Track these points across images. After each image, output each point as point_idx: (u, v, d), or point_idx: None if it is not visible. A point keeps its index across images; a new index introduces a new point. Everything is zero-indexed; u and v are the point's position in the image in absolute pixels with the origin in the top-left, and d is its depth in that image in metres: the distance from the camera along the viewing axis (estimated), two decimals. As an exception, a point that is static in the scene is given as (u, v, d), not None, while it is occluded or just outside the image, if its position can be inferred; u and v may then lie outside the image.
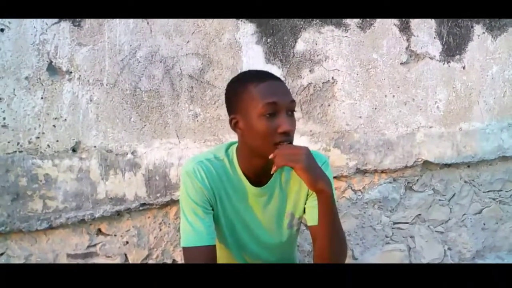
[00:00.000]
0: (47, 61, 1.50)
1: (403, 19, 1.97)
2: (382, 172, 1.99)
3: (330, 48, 1.87)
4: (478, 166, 2.19)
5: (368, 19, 1.92)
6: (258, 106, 1.11)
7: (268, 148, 1.12)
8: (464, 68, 2.09)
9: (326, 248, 1.17)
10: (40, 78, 1.49)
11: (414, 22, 1.99)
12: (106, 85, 1.58)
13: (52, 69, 1.51)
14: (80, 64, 1.54)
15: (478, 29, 2.11)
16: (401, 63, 1.98)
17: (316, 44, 1.85)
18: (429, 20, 2.02)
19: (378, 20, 1.93)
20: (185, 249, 1.18)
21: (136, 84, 1.61)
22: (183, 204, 1.21)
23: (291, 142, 1.14)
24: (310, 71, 1.85)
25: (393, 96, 1.98)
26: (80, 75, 1.54)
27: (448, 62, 2.07)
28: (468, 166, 2.17)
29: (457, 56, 2.08)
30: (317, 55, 1.85)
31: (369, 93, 1.94)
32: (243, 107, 1.15)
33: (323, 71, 1.87)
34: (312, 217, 1.25)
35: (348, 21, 1.88)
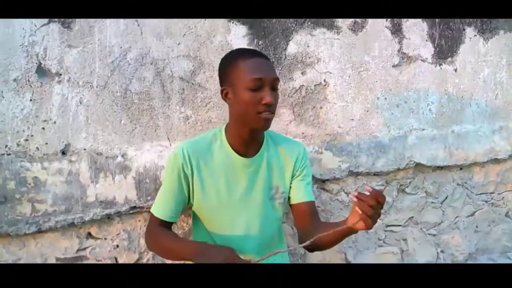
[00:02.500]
0: (36, 63, 1.48)
1: (395, 21, 1.97)
2: (374, 174, 1.98)
3: (322, 51, 1.86)
4: (470, 169, 2.19)
5: (359, 21, 1.92)
6: (246, 80, 1.27)
7: (252, 117, 1.29)
8: (456, 70, 2.10)
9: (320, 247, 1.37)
10: (29, 80, 1.48)
11: (406, 25, 1.99)
12: (96, 87, 1.56)
13: (41, 71, 1.50)
14: (69, 66, 1.53)
15: (469, 31, 2.11)
16: (393, 66, 1.98)
17: (308, 46, 1.84)
18: (420, 22, 2.02)
19: (370, 22, 1.93)
20: (150, 215, 1.43)
21: (126, 86, 1.60)
22: (164, 178, 1.44)
23: (272, 113, 1.30)
24: (302, 73, 1.84)
25: (385, 98, 1.98)
26: (70, 77, 1.53)
27: (440, 64, 2.07)
28: (461, 169, 2.17)
29: (449, 59, 2.08)
30: (309, 58, 1.85)
31: (361, 95, 1.94)
32: (233, 80, 1.31)
33: (315, 73, 1.86)
34: (296, 196, 1.48)
35: (340, 23, 1.88)
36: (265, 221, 1.45)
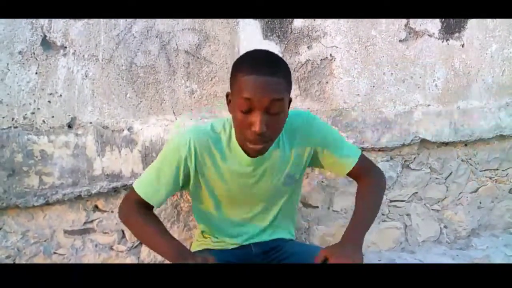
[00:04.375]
0: (41, 36, 1.48)
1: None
2: (379, 150, 1.99)
3: (329, 25, 1.84)
4: (475, 145, 2.19)
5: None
6: (238, 98, 1.12)
7: (243, 142, 1.20)
8: (463, 46, 2.07)
9: None
10: (34, 53, 1.47)
11: (414, -1, 1.96)
12: (102, 60, 1.56)
13: (46, 43, 1.49)
14: (74, 39, 1.52)
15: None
16: (399, 41, 1.96)
17: (314, 20, 1.82)
18: (429, -4, 1.99)
19: (377, -4, 1.90)
20: (132, 189, 1.30)
21: (131, 59, 1.59)
22: (160, 158, 1.30)
23: (266, 142, 1.17)
24: (308, 47, 1.83)
25: (392, 74, 1.96)
26: (75, 50, 1.52)
27: (447, 40, 2.04)
28: (465, 145, 2.17)
29: (456, 34, 2.06)
30: (315, 32, 1.83)
31: (367, 70, 1.93)
32: (232, 92, 1.18)
33: (321, 48, 1.85)
34: (339, 170, 1.43)
35: (347, -3, 1.85)
36: (272, 199, 1.42)
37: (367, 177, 1.41)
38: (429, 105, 2.04)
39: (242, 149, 1.26)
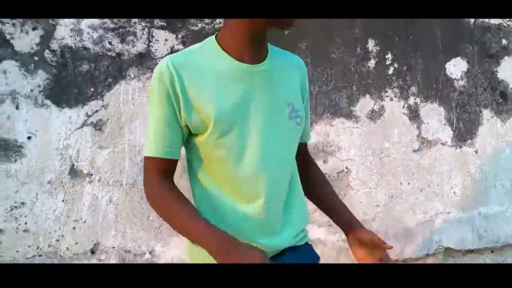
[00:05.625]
0: (69, 165, 1.55)
1: (412, 107, 2.03)
2: (403, 261, 1.94)
3: (342, 139, 1.91)
4: (503, 251, 2.13)
5: (377, 109, 1.97)
6: None
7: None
8: (476, 152, 2.11)
9: None
10: (62, 182, 1.54)
11: (423, 110, 2.04)
12: (126, 185, 1.61)
13: (74, 172, 1.56)
14: (100, 166, 1.59)
15: (486, 113, 2.15)
16: (413, 150, 2.01)
17: (328, 136, 1.89)
18: (437, 107, 2.07)
19: (387, 110, 1.98)
20: (145, 159, 1.07)
21: (154, 182, 1.65)
22: (150, 107, 1.07)
23: None
24: (323, 161, 1.88)
25: (409, 183, 1.98)
26: (100, 177, 1.59)
27: (460, 147, 2.09)
28: (492, 251, 2.11)
29: (469, 141, 2.10)
30: (330, 146, 1.89)
31: (384, 181, 1.95)
32: None
33: (337, 161, 1.89)
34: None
35: (357, 112, 1.94)
36: (285, 147, 1.12)
37: (312, 159, 1.34)
38: (449, 213, 2.02)
39: (235, 59, 1.07)
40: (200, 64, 1.05)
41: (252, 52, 1.06)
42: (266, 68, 1.08)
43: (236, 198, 1.08)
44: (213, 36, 1.10)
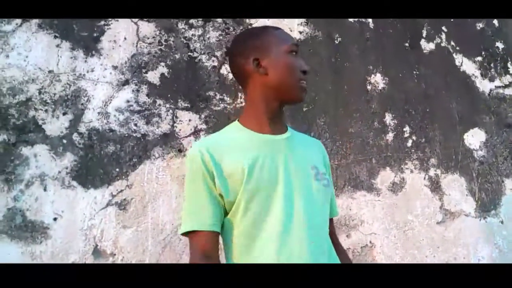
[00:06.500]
0: (93, 245, 1.56)
1: (433, 179, 2.02)
2: None
3: (365, 213, 1.90)
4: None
5: (398, 182, 1.97)
6: (286, 45, 1.18)
7: (293, 83, 1.16)
8: (502, 222, 2.07)
9: None
10: (85, 262, 1.54)
11: (444, 182, 2.04)
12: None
13: (97, 252, 1.56)
14: (123, 246, 1.59)
15: (508, 183, 2.14)
16: (437, 223, 1.98)
17: (350, 209, 1.88)
18: (458, 178, 2.06)
19: (408, 182, 1.98)
20: (188, 238, 1.11)
21: (177, 261, 1.64)
22: (186, 187, 1.14)
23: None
24: (347, 236, 1.85)
25: (434, 256, 1.94)
26: (123, 257, 1.58)
27: (485, 218, 2.05)
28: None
29: (493, 211, 2.07)
30: (352, 220, 1.87)
31: (409, 254, 1.91)
32: (267, 46, 1.18)
33: (360, 235, 1.87)
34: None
35: (379, 185, 1.94)
36: (313, 210, 1.14)
37: (336, 237, 1.34)
38: (479, 287, 1.95)
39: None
40: (226, 141, 1.16)
41: (272, 126, 1.19)
42: (288, 137, 1.20)
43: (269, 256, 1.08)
44: (236, 120, 1.23)
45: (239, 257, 1.11)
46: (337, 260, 1.20)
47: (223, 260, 1.16)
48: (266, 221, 1.09)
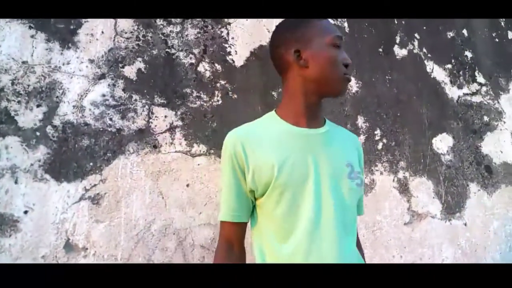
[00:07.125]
0: (64, 239, 1.54)
1: (402, 181, 2.08)
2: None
3: (336, 212, 1.94)
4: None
5: (368, 183, 2.02)
6: (329, 37, 1.15)
7: (336, 76, 1.14)
8: (466, 225, 2.15)
9: None
10: (56, 256, 1.52)
11: (412, 184, 2.10)
12: (120, 259, 1.60)
13: (69, 246, 1.55)
14: (96, 240, 1.58)
15: (473, 187, 2.22)
16: (404, 224, 2.04)
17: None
18: (426, 181, 2.13)
19: (378, 183, 2.04)
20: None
21: (149, 257, 1.64)
22: (221, 178, 1.21)
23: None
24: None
25: (401, 256, 2.00)
26: (95, 251, 1.58)
27: (450, 220, 2.13)
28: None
29: (458, 214, 2.15)
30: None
31: (377, 254, 1.96)
32: (310, 38, 1.16)
33: (330, 234, 1.91)
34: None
35: (350, 186, 1.99)
36: (343, 206, 1.14)
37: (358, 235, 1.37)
38: (442, 287, 2.02)
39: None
40: (260, 132, 1.17)
41: (309, 119, 1.19)
42: (324, 132, 1.19)
43: (296, 254, 1.10)
44: (273, 110, 1.24)
45: (270, 253, 1.13)
46: (361, 260, 1.20)
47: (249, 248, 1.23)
48: (295, 218, 1.10)
